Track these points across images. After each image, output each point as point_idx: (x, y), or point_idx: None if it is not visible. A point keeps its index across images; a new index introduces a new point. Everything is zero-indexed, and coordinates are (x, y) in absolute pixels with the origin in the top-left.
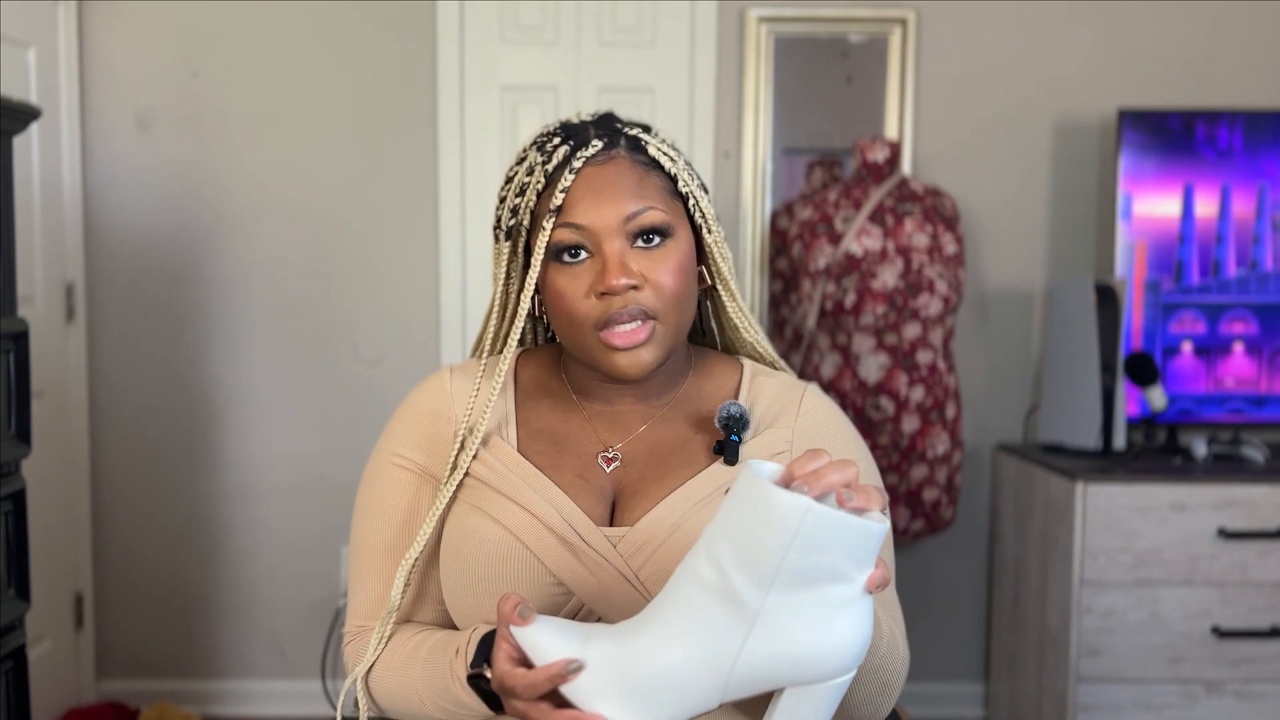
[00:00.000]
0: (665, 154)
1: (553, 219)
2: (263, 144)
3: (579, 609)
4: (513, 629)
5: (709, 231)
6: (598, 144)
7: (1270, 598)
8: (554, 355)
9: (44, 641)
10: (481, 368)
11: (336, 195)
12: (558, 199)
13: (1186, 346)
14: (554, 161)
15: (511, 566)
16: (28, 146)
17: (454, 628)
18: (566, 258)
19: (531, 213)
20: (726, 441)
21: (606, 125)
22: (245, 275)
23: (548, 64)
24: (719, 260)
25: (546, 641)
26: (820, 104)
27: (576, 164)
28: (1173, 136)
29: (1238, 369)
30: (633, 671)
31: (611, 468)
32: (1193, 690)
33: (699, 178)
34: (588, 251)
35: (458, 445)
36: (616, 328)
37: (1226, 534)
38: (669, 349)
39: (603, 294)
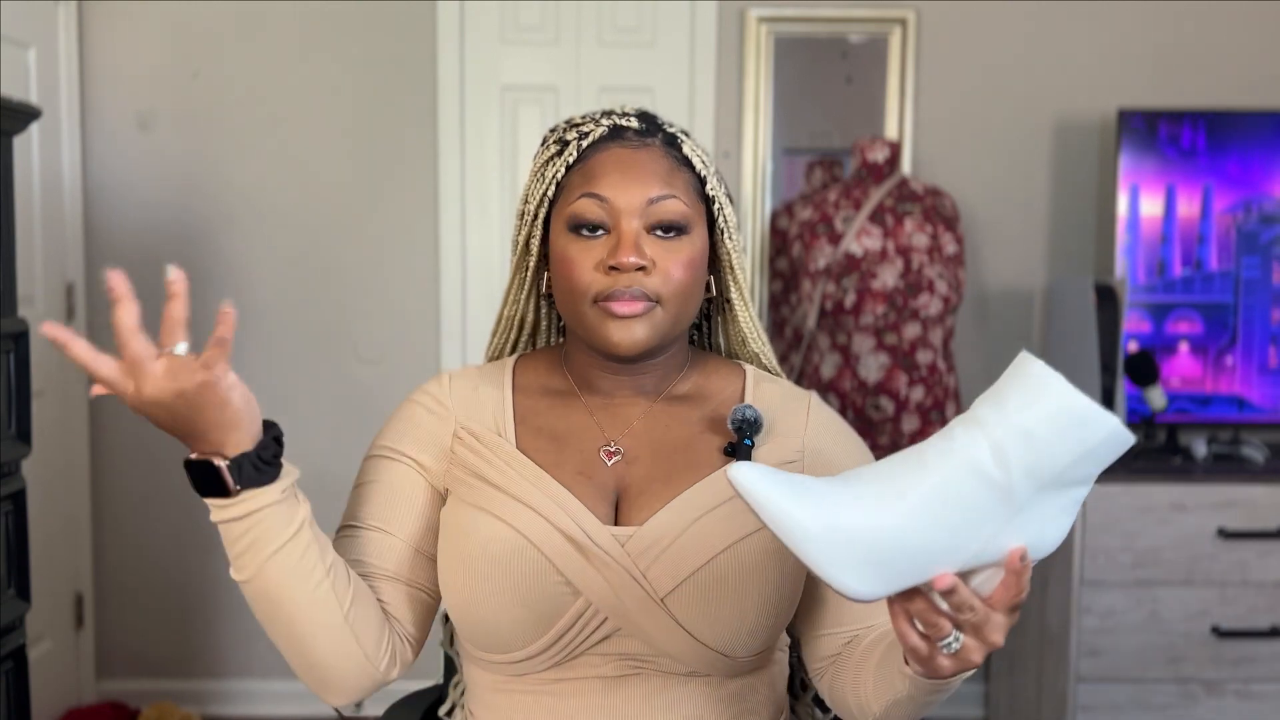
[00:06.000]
0: (698, 155)
1: (565, 177)
2: (263, 144)
3: (585, 608)
4: (745, 495)
5: (730, 238)
6: (636, 123)
7: (1270, 598)
8: (554, 355)
9: (44, 641)
10: (481, 373)
11: (336, 195)
12: (580, 160)
13: (1132, 346)
14: (590, 139)
15: (519, 565)
16: (28, 146)
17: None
18: (584, 232)
19: (558, 184)
20: (739, 445)
21: (646, 118)
22: (245, 275)
23: (548, 64)
24: (736, 269)
25: (777, 494)
26: (820, 104)
27: (605, 129)
28: (1136, 136)
29: (1183, 369)
30: (878, 547)
31: (613, 462)
32: (1193, 690)
33: (726, 187)
34: (605, 230)
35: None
36: (616, 302)
37: (1226, 534)
38: (664, 335)
39: (611, 269)
